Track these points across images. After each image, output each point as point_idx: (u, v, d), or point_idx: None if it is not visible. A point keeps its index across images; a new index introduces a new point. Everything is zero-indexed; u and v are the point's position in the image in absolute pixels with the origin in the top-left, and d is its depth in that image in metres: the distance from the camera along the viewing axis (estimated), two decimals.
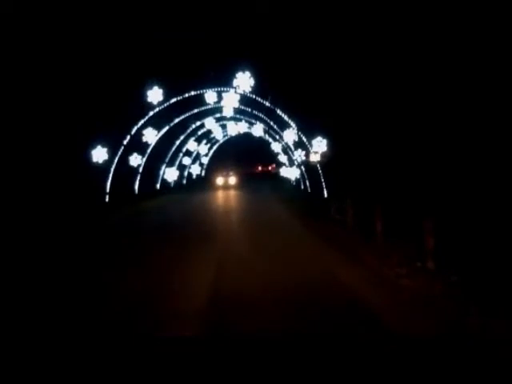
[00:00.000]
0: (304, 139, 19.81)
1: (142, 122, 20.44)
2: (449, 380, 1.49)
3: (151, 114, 20.47)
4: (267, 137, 34.63)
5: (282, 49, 17.67)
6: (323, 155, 19.58)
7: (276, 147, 35.05)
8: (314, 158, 21.82)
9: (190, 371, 1.62)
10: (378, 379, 1.52)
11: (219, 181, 33.74)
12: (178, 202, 22.23)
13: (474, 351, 1.76)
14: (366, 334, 3.63)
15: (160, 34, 16.49)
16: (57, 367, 1.64)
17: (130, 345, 2.00)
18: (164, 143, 25.73)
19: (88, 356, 1.76)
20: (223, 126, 35.33)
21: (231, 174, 34.89)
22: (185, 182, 36.67)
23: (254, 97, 19.59)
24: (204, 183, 37.37)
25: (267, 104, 19.75)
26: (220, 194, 26.58)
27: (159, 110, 20.47)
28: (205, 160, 45.52)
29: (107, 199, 20.41)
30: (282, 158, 34.57)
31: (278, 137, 28.94)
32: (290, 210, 16.98)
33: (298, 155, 22.25)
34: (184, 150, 32.50)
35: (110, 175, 20.43)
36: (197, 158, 39.61)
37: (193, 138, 32.30)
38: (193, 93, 20.08)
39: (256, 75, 18.45)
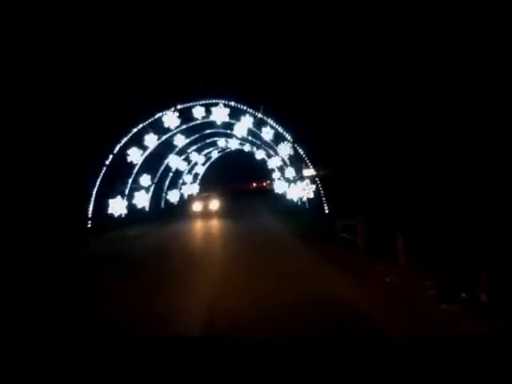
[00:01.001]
0: (301, 152, 18.38)
1: (125, 139, 18.91)
2: None
3: (135, 130, 18.96)
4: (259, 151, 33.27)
5: (274, 53, 16.47)
6: (320, 169, 18.21)
7: (270, 163, 33.71)
8: (309, 172, 20.45)
9: (189, 371, 1.61)
10: None
11: (196, 207, 25.15)
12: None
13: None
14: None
15: (150, 35, 15.43)
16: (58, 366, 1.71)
17: (131, 344, 2.01)
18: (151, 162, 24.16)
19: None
20: (213, 143, 33.92)
21: (212, 196, 26.46)
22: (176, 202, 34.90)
23: (245, 108, 18.18)
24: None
25: (259, 115, 18.35)
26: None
27: (143, 127, 18.98)
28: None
29: (89, 225, 18.71)
30: (276, 175, 33.14)
31: (272, 152, 27.59)
32: (289, 228, 15.40)
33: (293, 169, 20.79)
34: (174, 169, 30.94)
35: (93, 198, 18.77)
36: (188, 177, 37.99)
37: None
38: (179, 106, 18.61)
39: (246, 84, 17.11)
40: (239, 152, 39.50)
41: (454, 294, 5.74)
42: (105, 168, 18.88)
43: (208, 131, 26.89)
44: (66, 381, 1.63)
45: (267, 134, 19.46)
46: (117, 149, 18.92)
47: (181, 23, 14.90)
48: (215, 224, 19.08)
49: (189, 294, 6.51)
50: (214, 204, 25.16)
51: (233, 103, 18.17)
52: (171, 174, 29.95)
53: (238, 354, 1.79)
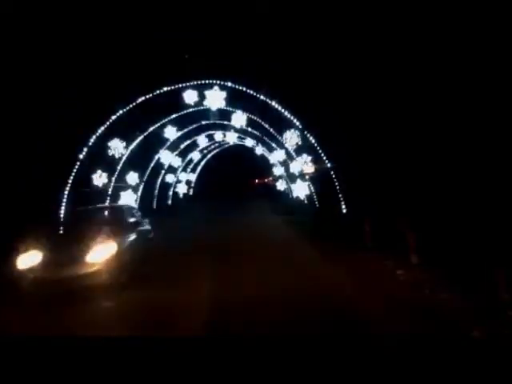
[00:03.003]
0: (313, 140, 15.37)
1: (102, 128, 15.80)
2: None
3: (114, 117, 15.82)
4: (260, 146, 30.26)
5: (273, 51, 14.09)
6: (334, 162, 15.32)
7: (272, 158, 30.71)
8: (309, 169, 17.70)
9: (189, 370, 1.59)
10: None
11: (23, 262, 7.15)
12: None
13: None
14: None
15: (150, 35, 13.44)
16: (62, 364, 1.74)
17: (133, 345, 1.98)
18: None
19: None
20: (210, 137, 30.82)
21: (90, 224, 8.62)
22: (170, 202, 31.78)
23: (244, 89, 15.12)
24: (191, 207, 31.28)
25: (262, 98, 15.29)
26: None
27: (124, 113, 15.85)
28: (192, 177, 40.57)
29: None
30: (278, 171, 30.15)
31: (274, 144, 24.58)
32: (307, 237, 12.51)
33: (304, 162, 17.76)
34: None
35: (64, 199, 15.71)
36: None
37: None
38: (165, 88, 15.46)
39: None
40: (237, 147, 36.56)
41: None
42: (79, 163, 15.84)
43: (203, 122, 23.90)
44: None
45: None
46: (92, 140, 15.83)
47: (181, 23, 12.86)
48: None
49: None
50: (96, 252, 7.26)
51: (229, 84, 15.09)
52: None
53: (238, 353, 1.72)
